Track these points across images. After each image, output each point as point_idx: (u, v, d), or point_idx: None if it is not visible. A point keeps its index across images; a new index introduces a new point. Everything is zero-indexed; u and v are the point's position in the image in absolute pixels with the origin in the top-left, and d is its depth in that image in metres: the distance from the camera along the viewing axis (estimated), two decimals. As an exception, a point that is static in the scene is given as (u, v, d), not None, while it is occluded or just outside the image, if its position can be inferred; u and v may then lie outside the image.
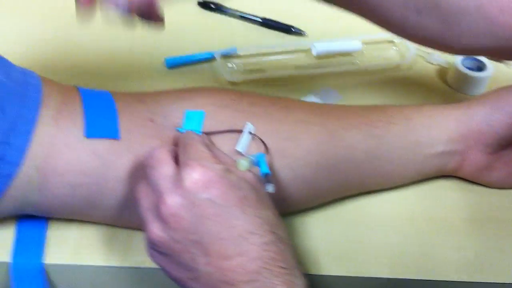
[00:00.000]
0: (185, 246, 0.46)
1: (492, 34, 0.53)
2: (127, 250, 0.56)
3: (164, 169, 0.47)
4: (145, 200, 0.48)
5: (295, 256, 0.48)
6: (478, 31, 0.54)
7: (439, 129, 0.61)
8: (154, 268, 0.52)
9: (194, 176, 0.46)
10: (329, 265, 0.56)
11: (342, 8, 0.58)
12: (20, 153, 0.49)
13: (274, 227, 0.47)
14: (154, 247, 0.48)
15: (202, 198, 0.46)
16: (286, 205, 0.57)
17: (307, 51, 0.80)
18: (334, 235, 0.59)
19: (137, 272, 0.56)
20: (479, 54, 0.73)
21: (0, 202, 0.50)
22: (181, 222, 0.46)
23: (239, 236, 0.46)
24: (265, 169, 0.51)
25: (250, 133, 0.55)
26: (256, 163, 0.51)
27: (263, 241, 0.46)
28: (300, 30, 0.83)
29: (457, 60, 0.77)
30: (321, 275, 0.56)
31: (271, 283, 0.45)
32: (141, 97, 0.56)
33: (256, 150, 0.54)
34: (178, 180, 0.46)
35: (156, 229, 0.47)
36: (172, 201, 0.46)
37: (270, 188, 0.49)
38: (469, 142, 0.61)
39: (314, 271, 0.56)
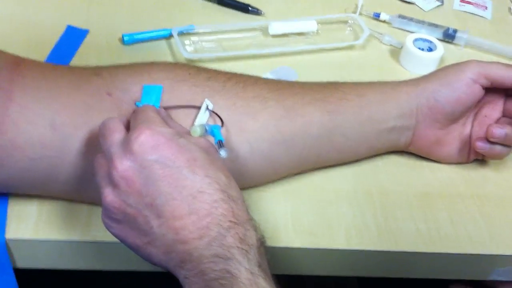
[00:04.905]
0: (138, 210, 0.46)
1: None
2: (88, 225, 0.56)
3: (115, 136, 0.48)
4: (100, 169, 0.48)
5: (248, 213, 0.49)
6: None
7: (390, 104, 0.62)
8: (114, 243, 0.52)
9: (141, 138, 0.46)
10: (288, 238, 0.58)
11: None
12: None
13: (224, 186, 0.48)
14: (110, 215, 0.48)
15: (150, 160, 0.46)
16: (244, 180, 0.58)
17: (264, 30, 0.81)
18: (292, 210, 0.60)
19: (97, 246, 0.56)
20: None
21: None
22: (132, 185, 0.46)
23: (189, 196, 0.46)
24: (219, 136, 0.52)
25: (208, 109, 0.55)
26: (210, 132, 0.52)
27: (213, 199, 0.47)
28: (257, 9, 0.84)
29: (409, 41, 0.79)
30: (280, 247, 0.57)
31: (221, 236, 0.46)
32: (97, 71, 0.56)
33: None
34: (126, 144, 0.47)
35: (109, 194, 0.47)
36: (122, 164, 0.46)
37: (223, 152, 0.50)
38: (418, 118, 0.63)
39: (273, 243, 0.57)
